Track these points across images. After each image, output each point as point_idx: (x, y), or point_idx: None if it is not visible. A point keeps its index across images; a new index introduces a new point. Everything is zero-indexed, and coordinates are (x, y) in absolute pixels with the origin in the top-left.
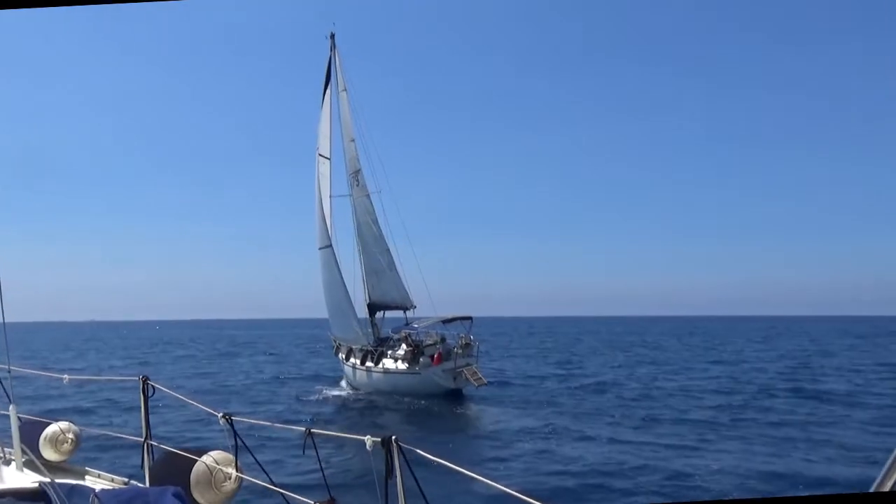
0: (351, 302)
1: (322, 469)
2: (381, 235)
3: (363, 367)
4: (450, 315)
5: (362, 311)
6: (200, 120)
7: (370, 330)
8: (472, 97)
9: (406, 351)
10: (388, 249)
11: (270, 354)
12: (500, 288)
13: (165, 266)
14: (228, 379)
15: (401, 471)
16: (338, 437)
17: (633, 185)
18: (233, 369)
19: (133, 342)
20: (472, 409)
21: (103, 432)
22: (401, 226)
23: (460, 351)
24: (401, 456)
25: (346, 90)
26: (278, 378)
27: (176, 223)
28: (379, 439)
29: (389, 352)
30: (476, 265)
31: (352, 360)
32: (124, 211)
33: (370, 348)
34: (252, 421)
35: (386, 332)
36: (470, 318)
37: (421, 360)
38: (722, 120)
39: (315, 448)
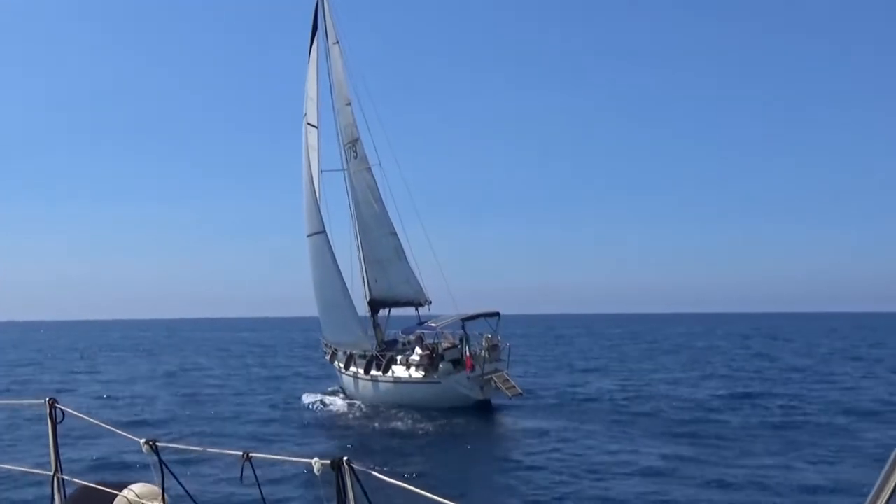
0: (350, 298)
1: (263, 498)
2: (385, 215)
3: (367, 377)
4: (471, 312)
5: (361, 310)
6: (152, 80)
7: (372, 331)
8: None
9: (422, 356)
10: (395, 232)
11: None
12: (496, 281)
13: (103, 257)
14: None
15: (354, 496)
16: (280, 460)
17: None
18: None
19: None
20: (510, 425)
21: (5, 466)
22: (410, 204)
23: (487, 354)
24: (354, 479)
25: (338, 43)
26: None
27: (119, 206)
28: (328, 461)
29: (400, 357)
30: (482, 253)
31: (352, 368)
32: (51, 192)
33: (376, 353)
34: (180, 446)
35: (392, 333)
36: (497, 315)
37: (441, 366)
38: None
39: (255, 474)
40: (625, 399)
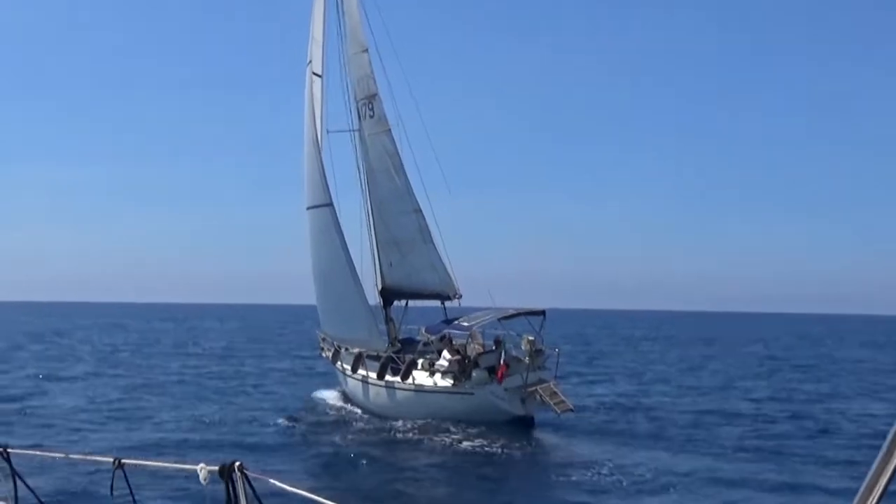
0: (360, 285)
1: None
2: (408, 189)
3: (381, 382)
4: (511, 309)
5: (371, 300)
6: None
7: (384, 326)
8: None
9: (451, 360)
10: (420, 209)
11: None
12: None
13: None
14: None
15: None
16: (160, 466)
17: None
18: None
19: None
20: (554, 447)
21: None
22: (439, 175)
23: (529, 361)
24: (247, 487)
25: None
26: None
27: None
28: (216, 468)
29: (421, 360)
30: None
31: (361, 370)
32: None
33: (392, 355)
34: (37, 453)
35: (407, 329)
36: (542, 313)
37: (475, 373)
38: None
39: (128, 484)
40: (702, 418)
